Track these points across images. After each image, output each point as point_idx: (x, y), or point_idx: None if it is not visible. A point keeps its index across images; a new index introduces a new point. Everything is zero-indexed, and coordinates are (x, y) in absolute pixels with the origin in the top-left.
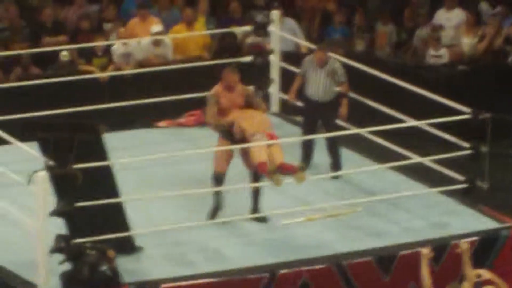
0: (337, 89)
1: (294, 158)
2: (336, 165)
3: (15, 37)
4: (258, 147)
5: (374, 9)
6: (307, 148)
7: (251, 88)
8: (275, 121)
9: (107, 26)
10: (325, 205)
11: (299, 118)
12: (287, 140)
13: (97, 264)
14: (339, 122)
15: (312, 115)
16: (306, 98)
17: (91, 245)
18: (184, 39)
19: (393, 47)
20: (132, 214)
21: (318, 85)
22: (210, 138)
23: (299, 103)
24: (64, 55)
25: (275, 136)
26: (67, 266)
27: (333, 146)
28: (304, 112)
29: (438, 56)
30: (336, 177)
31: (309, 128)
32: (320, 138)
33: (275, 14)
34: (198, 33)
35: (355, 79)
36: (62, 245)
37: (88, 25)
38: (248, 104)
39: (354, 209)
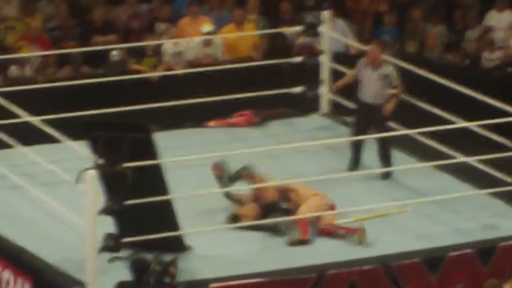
0: (390, 92)
1: (344, 160)
2: (386, 167)
3: (66, 36)
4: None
5: (425, 11)
6: (357, 150)
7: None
8: (325, 123)
9: (160, 26)
10: (374, 205)
11: (349, 119)
12: (337, 141)
13: (160, 279)
14: (388, 123)
15: (363, 118)
16: (358, 100)
17: (156, 259)
18: (234, 40)
19: (443, 49)
20: (181, 213)
21: (370, 87)
22: (260, 138)
23: (348, 103)
24: (115, 55)
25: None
26: (127, 275)
27: (385, 150)
28: (356, 114)
29: (493, 59)
30: (385, 178)
31: (359, 129)
32: (370, 140)
33: (325, 14)
34: (249, 34)
35: (405, 80)
36: (111, 244)
37: (139, 24)
38: None
39: (402, 210)
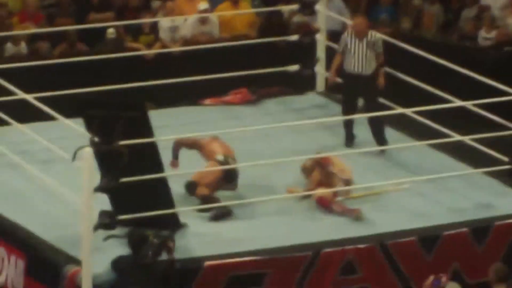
0: (376, 61)
1: (339, 138)
2: (381, 143)
3: (61, 13)
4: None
5: None
6: (349, 125)
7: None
8: (321, 101)
9: (155, 3)
10: (371, 183)
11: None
12: (332, 119)
13: (158, 253)
14: (381, 99)
15: (353, 91)
16: (346, 74)
17: (154, 233)
18: (230, 17)
19: (440, 28)
20: (176, 191)
21: (359, 57)
22: (256, 116)
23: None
24: (111, 33)
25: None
26: (124, 251)
27: (378, 126)
28: (344, 88)
29: (489, 38)
30: (381, 153)
31: (350, 104)
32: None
33: None
34: (245, 11)
35: (401, 59)
36: (106, 221)
37: (136, 1)
38: None
39: (399, 187)
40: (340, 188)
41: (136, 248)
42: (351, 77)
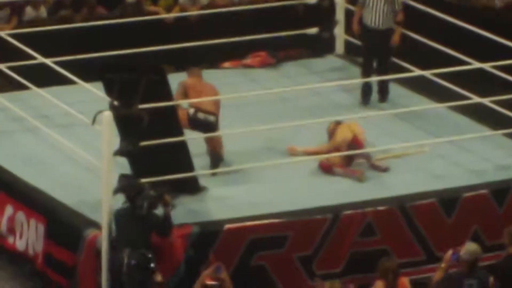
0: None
1: (356, 99)
2: (383, 90)
3: None
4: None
5: None
6: (367, 84)
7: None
8: (340, 64)
9: None
10: (393, 146)
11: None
12: (351, 82)
13: (154, 204)
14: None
15: (370, 45)
16: (364, 27)
17: (150, 186)
18: None
19: None
20: (195, 154)
21: (378, 12)
22: (275, 79)
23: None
24: None
25: None
26: (124, 204)
27: (384, 80)
28: (362, 42)
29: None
30: (383, 101)
31: (368, 59)
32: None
33: None
34: None
35: (420, 21)
36: (125, 185)
37: None
38: None
39: (421, 150)
40: (346, 152)
41: (131, 198)
42: (368, 31)
